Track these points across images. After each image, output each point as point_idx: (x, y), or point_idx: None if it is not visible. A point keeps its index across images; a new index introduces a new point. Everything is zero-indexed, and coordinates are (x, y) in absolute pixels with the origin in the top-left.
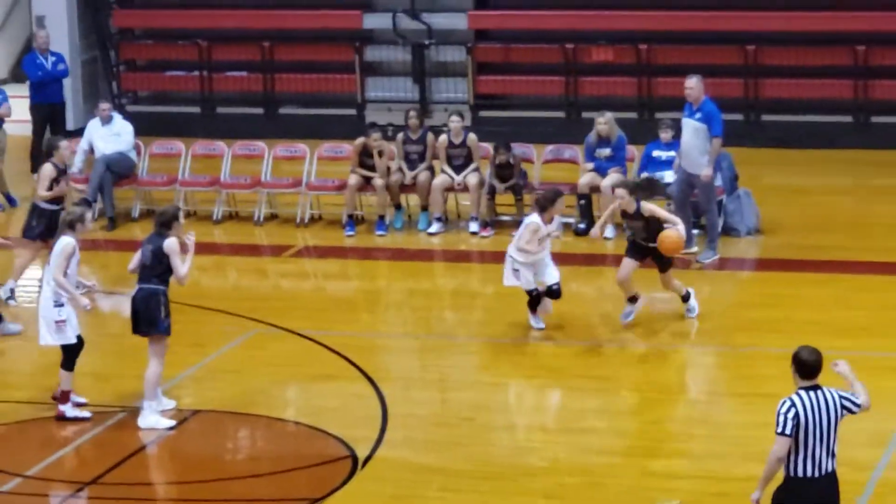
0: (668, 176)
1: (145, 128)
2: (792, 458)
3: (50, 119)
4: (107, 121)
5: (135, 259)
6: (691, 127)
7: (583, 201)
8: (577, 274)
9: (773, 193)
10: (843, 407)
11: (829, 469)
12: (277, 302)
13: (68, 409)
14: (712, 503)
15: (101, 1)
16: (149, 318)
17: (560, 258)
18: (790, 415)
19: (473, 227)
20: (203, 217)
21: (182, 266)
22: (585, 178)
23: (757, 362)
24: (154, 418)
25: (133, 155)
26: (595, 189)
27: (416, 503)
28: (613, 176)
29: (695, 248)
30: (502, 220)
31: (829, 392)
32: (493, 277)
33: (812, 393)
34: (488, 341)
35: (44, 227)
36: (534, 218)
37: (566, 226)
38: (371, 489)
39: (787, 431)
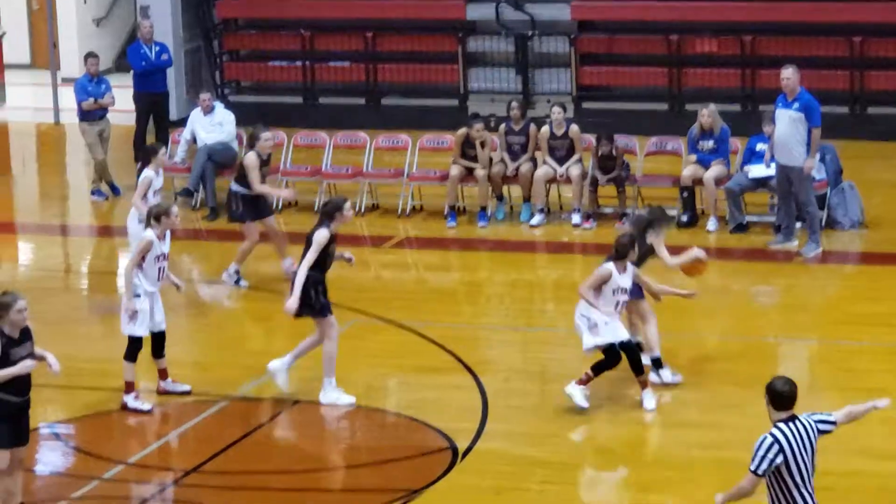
0: (763, 169)
1: (247, 118)
2: (797, 495)
3: (153, 109)
4: (209, 111)
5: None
6: (787, 118)
7: (685, 194)
8: None
9: (878, 187)
10: (819, 431)
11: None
12: (378, 293)
13: (130, 400)
14: None
15: None
16: (305, 302)
17: None
18: (771, 454)
19: (576, 218)
20: (304, 207)
21: (311, 256)
22: (688, 171)
23: (858, 356)
24: (335, 394)
25: (235, 145)
26: (698, 181)
27: (516, 495)
28: (716, 168)
29: (795, 243)
30: (604, 212)
31: (805, 419)
32: (594, 268)
33: (791, 425)
34: None
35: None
36: (608, 266)
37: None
38: (471, 481)
39: (761, 472)
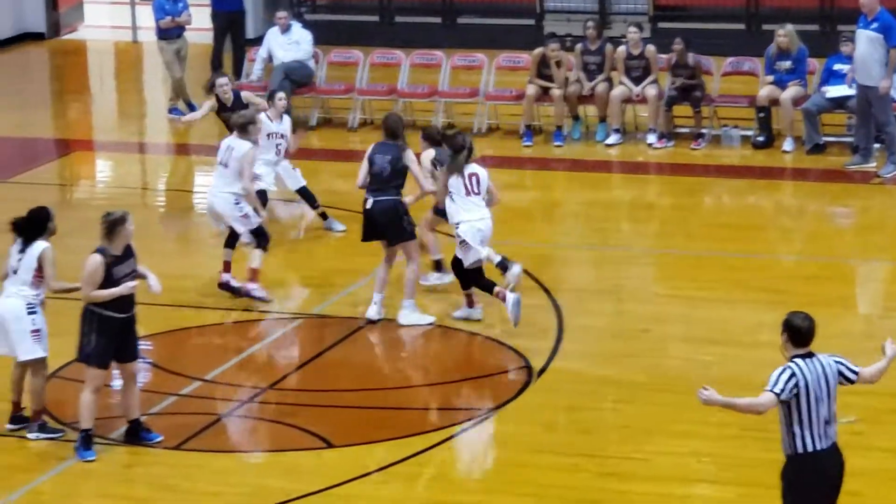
0: (843, 90)
1: (323, 36)
2: (797, 432)
3: (230, 27)
4: (285, 29)
5: (362, 173)
6: (866, 38)
7: (762, 114)
8: (756, 187)
9: None
10: (839, 373)
11: (833, 438)
12: None
13: (255, 289)
14: (888, 420)
15: None
16: (394, 229)
17: (738, 171)
18: (790, 383)
19: (651, 138)
20: (379, 126)
21: (423, 179)
22: (765, 91)
23: None
24: (415, 316)
25: (311, 63)
26: (774, 102)
27: (590, 415)
28: (793, 88)
29: (873, 163)
30: (680, 132)
31: (825, 358)
32: (670, 189)
33: (808, 361)
34: (665, 253)
35: None
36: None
37: (744, 138)
38: (546, 400)
39: (780, 393)
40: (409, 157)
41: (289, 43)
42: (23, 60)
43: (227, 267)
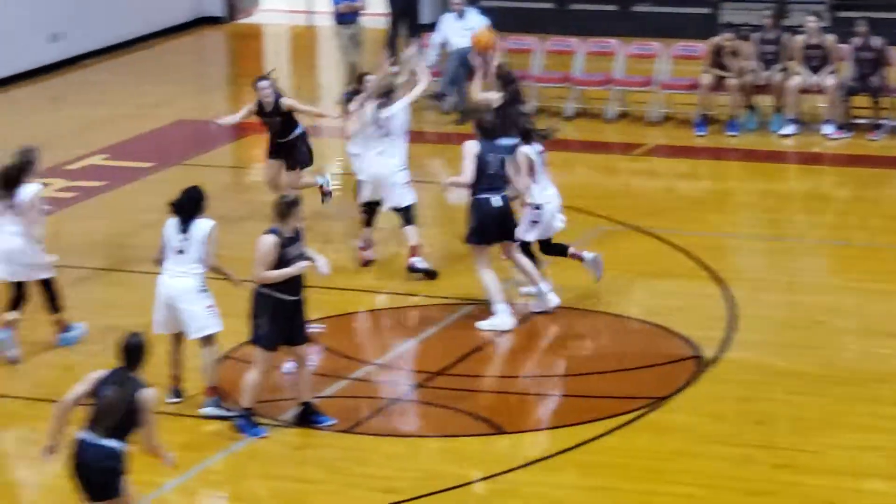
0: None
1: (499, 23)
2: None
3: (405, 12)
4: (461, 15)
5: (471, 170)
6: None
7: None
8: None
9: None
10: None
11: None
12: (626, 199)
13: (418, 261)
14: None
15: None
16: (513, 226)
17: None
18: None
19: (828, 129)
20: (554, 113)
21: (522, 178)
22: None
23: None
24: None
25: None
26: None
27: (762, 406)
28: None
29: None
30: (858, 123)
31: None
32: (846, 181)
33: None
34: (840, 245)
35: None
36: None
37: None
38: (717, 390)
39: None
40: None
41: (464, 29)
42: (200, 44)
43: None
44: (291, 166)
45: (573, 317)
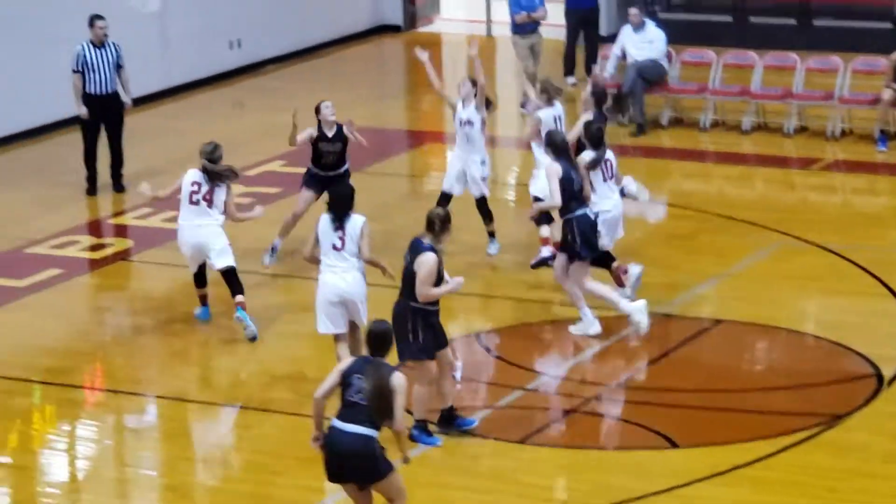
0: None
1: (677, 35)
2: None
3: (583, 24)
4: (639, 27)
5: (557, 191)
6: None
7: None
8: None
9: None
10: None
11: None
12: (804, 215)
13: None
14: None
15: None
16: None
17: None
18: None
19: None
20: (731, 127)
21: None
22: None
23: None
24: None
25: (664, 62)
26: None
27: None
28: None
29: None
30: None
31: None
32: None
33: None
34: None
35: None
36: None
37: None
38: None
39: None
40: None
41: (642, 41)
42: (379, 52)
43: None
44: None
45: (749, 331)
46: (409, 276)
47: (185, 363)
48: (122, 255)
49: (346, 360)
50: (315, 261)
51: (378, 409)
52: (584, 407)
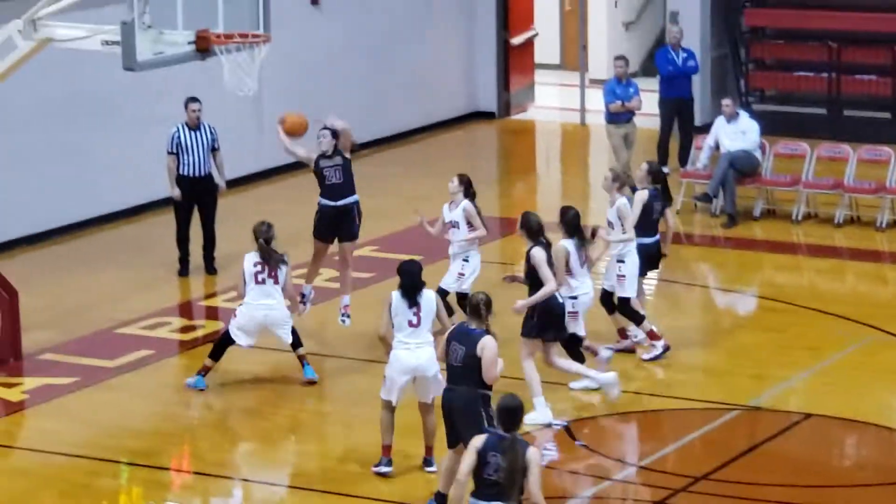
0: None
1: (770, 127)
2: None
3: (677, 114)
4: (732, 118)
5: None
6: None
7: None
8: None
9: None
10: None
11: None
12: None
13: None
14: None
15: (734, 0)
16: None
17: None
18: None
19: None
20: (824, 219)
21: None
22: None
23: None
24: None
25: (758, 153)
26: None
27: None
28: None
29: None
30: None
31: None
32: None
33: None
34: None
35: None
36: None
37: None
38: None
39: None
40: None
41: (736, 132)
42: (472, 138)
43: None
44: (344, 237)
45: (838, 426)
46: (470, 364)
47: (273, 446)
48: (212, 338)
49: (480, 438)
50: (388, 341)
51: (516, 485)
52: (671, 500)
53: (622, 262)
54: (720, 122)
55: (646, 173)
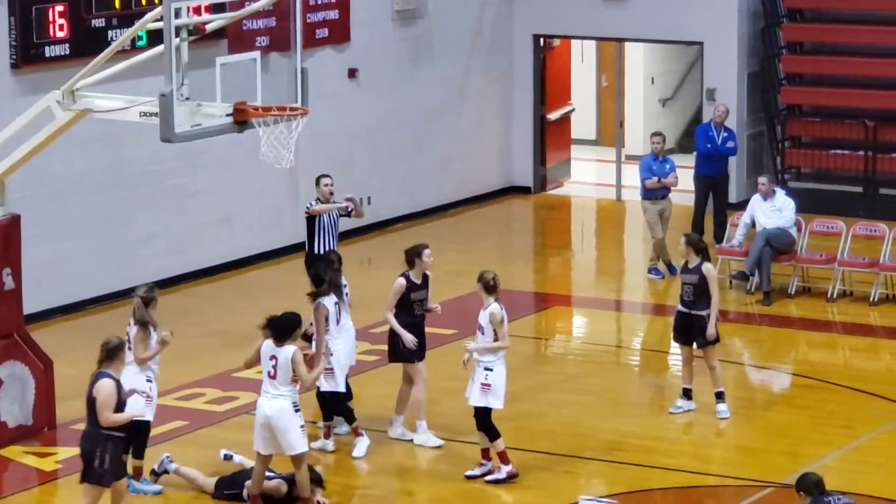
0: None
1: (806, 204)
2: None
3: (713, 190)
4: (769, 195)
5: None
6: None
7: None
8: None
9: None
10: None
11: None
12: None
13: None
14: None
15: (770, 78)
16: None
17: None
18: None
19: None
20: (859, 298)
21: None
22: None
23: None
24: (425, 436)
25: (793, 231)
26: None
27: None
28: None
29: None
30: None
31: None
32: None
33: None
34: None
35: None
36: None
37: None
38: None
39: None
40: None
41: (771, 209)
42: (508, 212)
43: None
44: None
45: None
46: None
47: None
48: (245, 409)
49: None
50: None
51: None
52: None
53: (490, 370)
54: (756, 199)
55: (686, 245)
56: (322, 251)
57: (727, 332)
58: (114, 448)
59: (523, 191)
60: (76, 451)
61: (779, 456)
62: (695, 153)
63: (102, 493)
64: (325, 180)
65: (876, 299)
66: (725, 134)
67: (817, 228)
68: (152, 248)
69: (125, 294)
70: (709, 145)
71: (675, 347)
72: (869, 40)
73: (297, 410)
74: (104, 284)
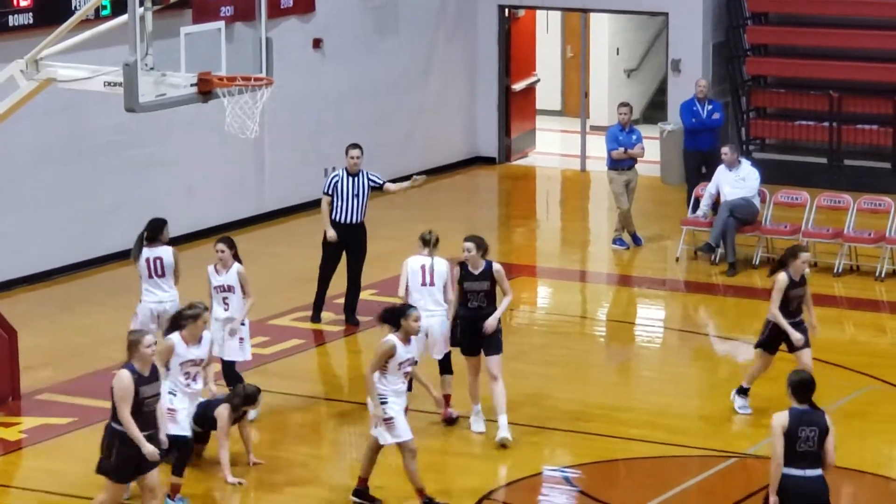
0: None
1: (771, 175)
2: None
3: (704, 165)
4: (733, 165)
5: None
6: None
7: None
8: None
9: None
10: None
11: None
12: (894, 360)
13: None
14: None
15: (735, 48)
16: None
17: None
18: None
19: None
20: (823, 269)
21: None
22: None
23: None
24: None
25: (757, 202)
26: None
27: None
28: None
29: None
30: None
31: None
32: None
33: None
34: None
35: None
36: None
37: None
38: None
39: None
40: None
41: (736, 179)
42: (473, 183)
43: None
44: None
45: (835, 475)
46: None
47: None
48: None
49: (782, 415)
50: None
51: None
52: None
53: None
54: (721, 170)
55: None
56: (341, 219)
57: (693, 302)
58: (121, 445)
59: (488, 161)
60: (40, 420)
61: (743, 426)
62: (682, 128)
63: (124, 489)
64: (353, 151)
65: (840, 270)
66: (710, 107)
67: (782, 199)
68: (116, 219)
69: (89, 265)
70: (694, 120)
71: (641, 318)
72: (834, 11)
73: None
74: (69, 255)
